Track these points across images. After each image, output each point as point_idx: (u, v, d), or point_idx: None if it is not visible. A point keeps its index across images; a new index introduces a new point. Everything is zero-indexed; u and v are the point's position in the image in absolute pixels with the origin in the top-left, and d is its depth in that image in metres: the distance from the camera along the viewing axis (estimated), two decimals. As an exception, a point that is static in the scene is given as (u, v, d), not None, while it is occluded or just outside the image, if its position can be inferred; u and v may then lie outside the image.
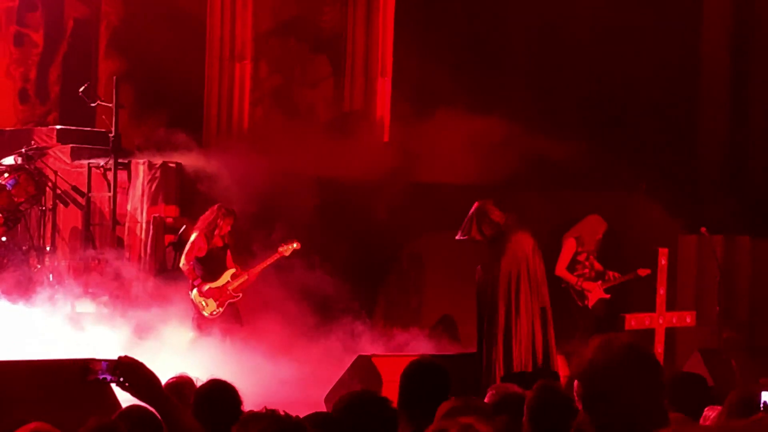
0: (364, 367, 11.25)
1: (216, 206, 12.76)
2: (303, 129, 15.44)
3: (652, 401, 3.82)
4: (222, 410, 5.88)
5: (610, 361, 3.81)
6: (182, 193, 14.39)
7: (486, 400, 6.32)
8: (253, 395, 6.22)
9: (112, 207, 14.04)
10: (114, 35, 16.39)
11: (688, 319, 13.68)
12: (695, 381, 7.13)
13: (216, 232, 12.64)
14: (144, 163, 14.37)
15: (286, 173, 13.93)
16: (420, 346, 13.04)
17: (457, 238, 11.19)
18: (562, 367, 11.04)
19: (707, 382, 7.30)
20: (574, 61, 16.60)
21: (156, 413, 4.60)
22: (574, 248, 13.46)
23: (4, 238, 13.23)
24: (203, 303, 12.63)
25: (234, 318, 12.77)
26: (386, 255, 15.03)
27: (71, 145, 14.79)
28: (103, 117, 14.52)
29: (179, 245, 13.43)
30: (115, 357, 4.50)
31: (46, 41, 16.33)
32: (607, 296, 13.45)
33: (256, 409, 4.15)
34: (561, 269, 13.39)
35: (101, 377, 4.45)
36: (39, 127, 15.54)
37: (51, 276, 13.44)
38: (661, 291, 13.26)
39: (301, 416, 4.68)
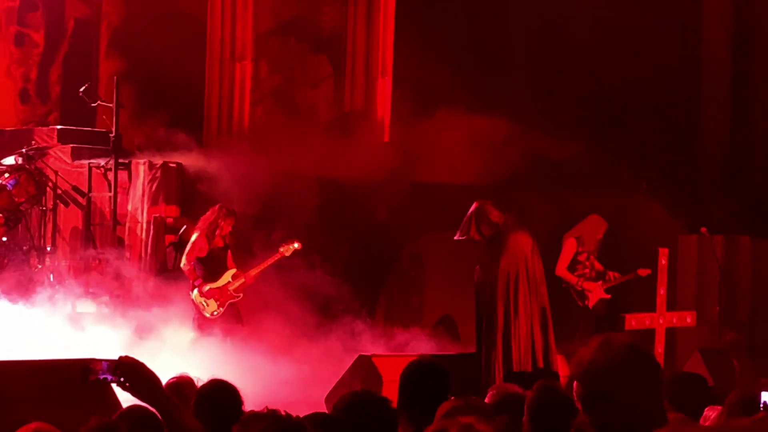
0: (364, 367, 11.25)
1: (217, 206, 12.76)
2: (303, 129, 15.44)
3: (651, 401, 3.82)
4: (223, 410, 5.88)
5: (609, 362, 3.80)
6: (183, 193, 14.39)
7: (486, 400, 6.32)
8: (254, 395, 6.22)
9: (112, 207, 14.04)
10: (115, 35, 16.39)
11: (689, 319, 13.68)
12: (695, 381, 7.13)
13: (217, 232, 12.64)
14: (144, 163, 14.37)
15: (286, 173, 13.94)
16: (421, 345, 13.03)
17: (455, 238, 11.19)
18: (562, 367, 11.04)
19: (707, 382, 7.30)
20: (575, 61, 16.61)
21: (156, 413, 4.61)
22: (575, 248, 13.46)
23: (4, 238, 13.23)
24: (204, 303, 12.64)
25: (235, 318, 12.76)
26: (387, 255, 15.03)
27: (72, 145, 14.79)
28: (104, 117, 14.52)
29: (180, 245, 13.43)
30: (115, 357, 4.50)
31: (47, 41, 16.33)
32: (608, 296, 13.45)
33: (257, 409, 4.15)
34: (561, 269, 13.39)
35: (102, 377, 4.46)
36: (39, 127, 15.54)
37: (51, 276, 13.44)
38: (662, 291, 13.26)
39: (302, 416, 4.69)
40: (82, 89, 14.31)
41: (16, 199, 13.32)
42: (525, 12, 16.83)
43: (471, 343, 11.43)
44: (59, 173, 14.31)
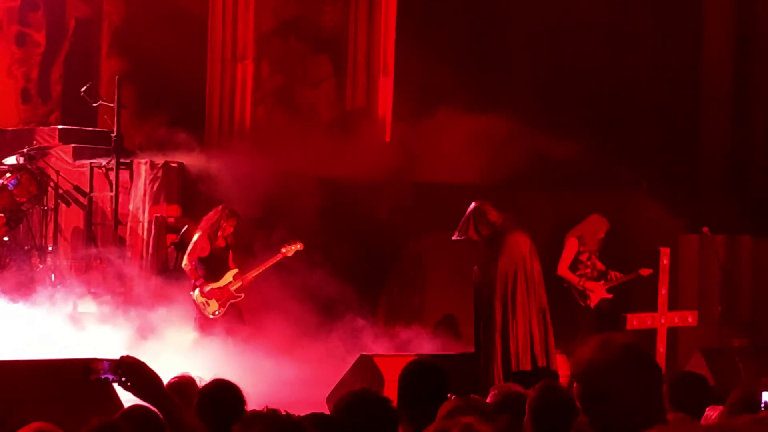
0: (366, 366, 11.26)
1: (220, 207, 12.77)
2: (305, 129, 15.44)
3: (650, 401, 3.82)
4: (226, 410, 5.88)
5: (608, 362, 3.80)
6: (184, 193, 14.40)
7: (488, 399, 6.33)
8: (255, 395, 6.22)
9: (114, 207, 14.04)
10: (116, 35, 16.40)
11: (690, 318, 13.68)
12: (696, 381, 7.13)
13: (219, 233, 12.65)
14: (146, 163, 14.38)
15: (288, 173, 13.94)
16: (422, 345, 13.04)
17: (453, 238, 11.20)
18: (563, 367, 11.05)
19: (708, 382, 7.30)
20: (576, 61, 16.60)
21: (158, 413, 4.61)
22: (576, 248, 13.46)
23: (6, 238, 13.24)
24: (205, 303, 12.64)
25: (236, 318, 12.77)
26: (388, 254, 15.03)
27: (73, 144, 14.80)
28: (105, 117, 14.52)
29: (181, 245, 13.44)
30: (117, 357, 4.51)
31: (48, 41, 16.33)
32: (609, 296, 13.45)
33: (258, 409, 4.16)
34: (563, 269, 13.39)
35: (103, 377, 4.46)
36: (41, 127, 15.54)
37: (53, 276, 13.45)
38: (663, 291, 13.26)
39: (302, 416, 4.69)
40: (83, 89, 14.31)
41: (18, 199, 13.33)
42: (525, 12, 16.82)
43: (472, 343, 11.45)
44: (61, 173, 14.31)
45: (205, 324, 12.62)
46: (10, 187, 13.29)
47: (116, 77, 14.31)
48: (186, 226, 13.63)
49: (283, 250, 12.86)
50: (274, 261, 12.88)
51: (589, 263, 13.45)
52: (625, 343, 3.84)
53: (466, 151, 14.56)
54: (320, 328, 13.38)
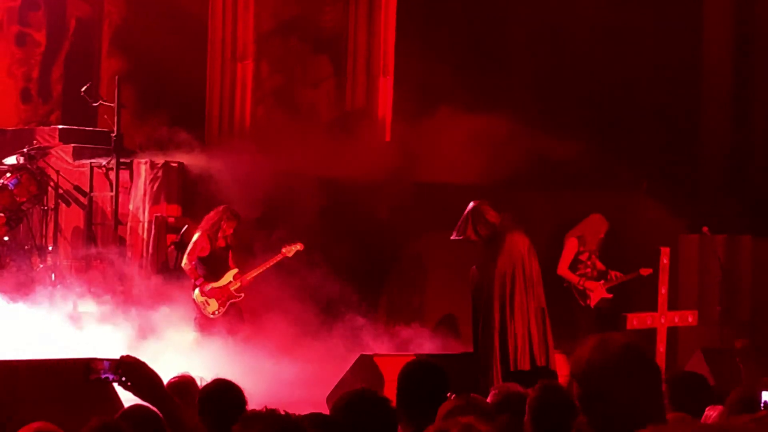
0: (366, 366, 11.26)
1: (222, 208, 12.76)
2: (305, 129, 15.44)
3: (649, 401, 3.82)
4: (227, 410, 5.88)
5: (606, 362, 3.80)
6: (184, 193, 14.40)
7: (489, 399, 6.33)
8: (256, 395, 6.22)
9: (114, 206, 14.05)
10: (116, 35, 16.40)
11: (690, 318, 13.68)
12: (696, 380, 7.13)
13: (219, 234, 12.66)
14: (146, 163, 14.38)
15: (287, 173, 13.94)
16: (422, 345, 13.04)
17: (452, 238, 11.20)
18: (563, 367, 11.04)
19: (708, 382, 7.30)
20: (576, 61, 16.60)
21: (158, 413, 4.62)
22: (576, 248, 13.47)
23: (6, 238, 13.24)
24: (205, 303, 12.65)
25: (237, 318, 12.78)
26: (388, 254, 15.03)
27: (73, 144, 14.80)
28: (105, 116, 14.53)
29: (181, 245, 13.44)
30: (117, 356, 4.51)
31: (49, 41, 16.34)
32: (609, 296, 13.45)
33: (257, 409, 4.16)
34: (563, 269, 13.39)
35: (103, 377, 4.47)
36: (41, 127, 15.55)
37: (53, 275, 13.45)
38: (663, 290, 13.25)
39: (302, 416, 4.69)
40: (83, 89, 14.32)
41: (18, 199, 13.34)
42: (525, 12, 16.82)
43: (472, 343, 11.45)
44: (61, 173, 14.32)
45: (205, 324, 12.62)
46: (11, 186, 13.30)
47: (116, 77, 14.31)
48: (186, 226, 13.64)
49: (284, 250, 12.87)
50: (275, 261, 12.88)
51: (589, 263, 13.45)
52: (623, 343, 3.83)
53: (466, 151, 14.56)
54: (320, 328, 13.38)
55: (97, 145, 14.79)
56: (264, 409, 4.04)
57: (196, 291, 12.66)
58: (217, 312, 12.65)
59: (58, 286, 13.11)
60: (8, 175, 13.45)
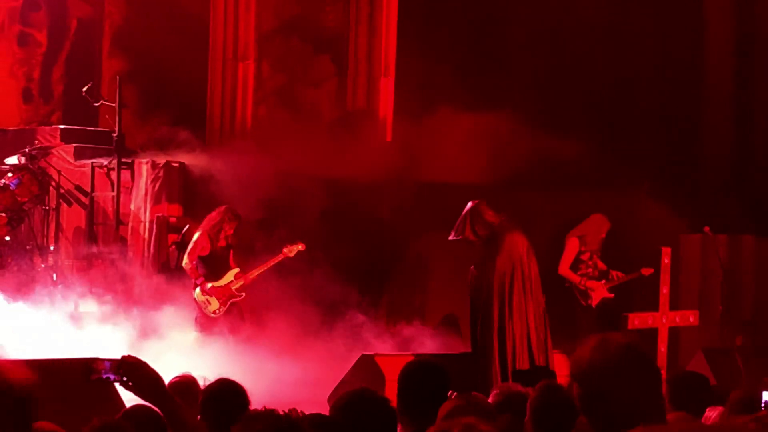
0: (367, 366, 11.26)
1: (223, 208, 12.76)
2: (306, 129, 15.44)
3: (649, 401, 3.82)
4: (230, 410, 5.88)
5: (606, 362, 3.80)
6: (185, 193, 14.41)
7: (490, 399, 6.33)
8: (257, 394, 6.22)
9: (115, 206, 14.06)
10: (117, 35, 16.41)
11: (692, 318, 13.68)
12: (698, 380, 7.14)
13: (221, 234, 12.66)
14: (147, 163, 14.39)
15: (289, 173, 13.94)
16: (423, 345, 13.04)
17: (450, 238, 11.20)
18: (564, 367, 11.05)
19: (710, 382, 7.31)
20: (578, 61, 16.60)
21: (160, 413, 4.62)
22: (578, 247, 13.46)
23: (8, 238, 13.25)
24: (206, 302, 12.65)
25: (238, 317, 12.78)
26: (389, 254, 15.03)
27: (75, 144, 14.81)
28: (107, 116, 14.53)
29: (182, 245, 13.45)
30: (118, 356, 4.52)
31: (50, 41, 16.35)
32: (611, 295, 13.45)
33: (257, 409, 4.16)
34: (564, 268, 13.39)
35: (105, 377, 4.47)
36: (42, 127, 15.56)
37: (54, 275, 13.46)
38: (665, 290, 13.25)
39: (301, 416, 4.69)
40: (85, 89, 14.32)
41: (20, 199, 13.35)
42: (525, 12, 16.82)
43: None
44: (62, 173, 14.32)
45: (206, 323, 12.63)
46: (12, 186, 13.31)
47: (118, 77, 14.32)
48: (187, 226, 13.64)
49: (285, 250, 12.87)
50: (276, 261, 12.89)
51: (590, 263, 13.45)
52: (623, 343, 3.83)
53: (467, 150, 14.57)
54: (321, 328, 13.38)
55: (99, 145, 14.80)
56: (263, 409, 4.04)
57: (197, 290, 12.67)
58: (218, 311, 12.65)
59: (60, 286, 13.12)
60: (10, 175, 13.45)
